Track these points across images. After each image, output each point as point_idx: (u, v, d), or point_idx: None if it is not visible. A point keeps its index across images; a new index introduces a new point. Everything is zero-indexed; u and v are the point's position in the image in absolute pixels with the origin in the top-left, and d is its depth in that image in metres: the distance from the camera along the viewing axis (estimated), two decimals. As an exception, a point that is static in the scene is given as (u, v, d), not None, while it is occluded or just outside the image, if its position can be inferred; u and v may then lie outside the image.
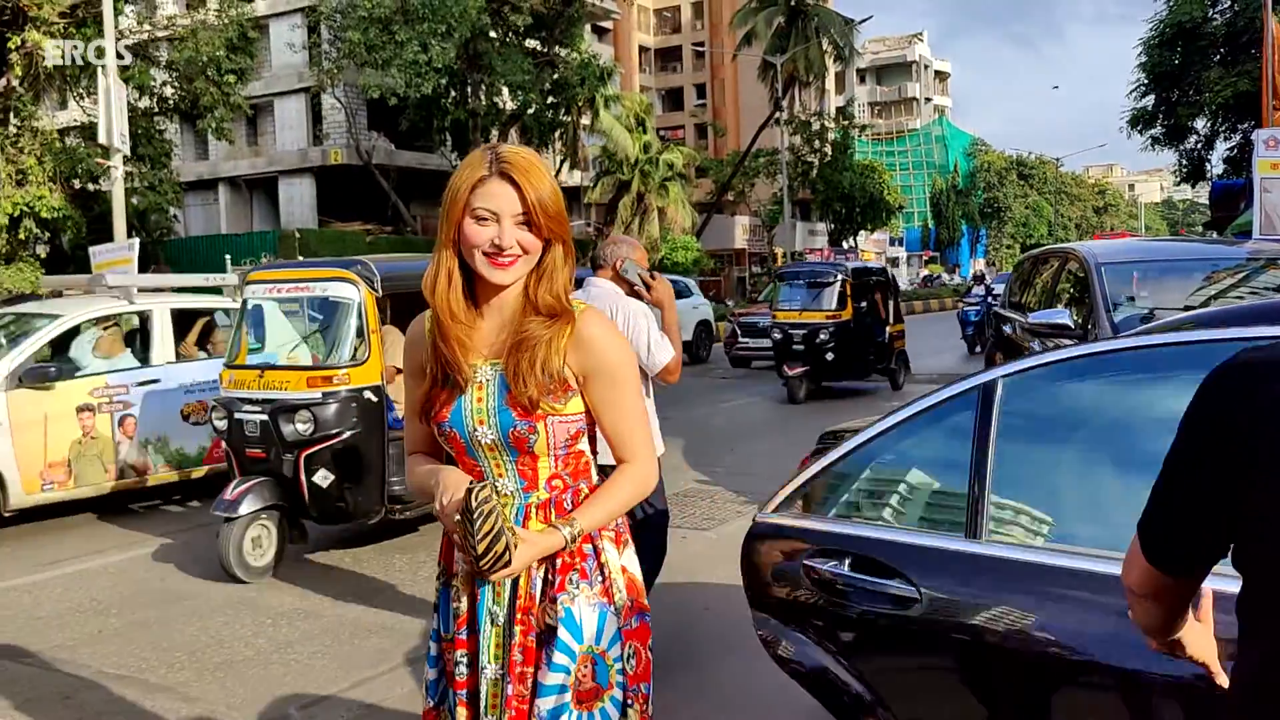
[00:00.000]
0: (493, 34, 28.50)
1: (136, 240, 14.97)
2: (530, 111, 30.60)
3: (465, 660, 2.04)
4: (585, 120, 35.67)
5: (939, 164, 73.76)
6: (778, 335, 14.46)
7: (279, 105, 35.86)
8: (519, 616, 1.97)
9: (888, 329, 15.18)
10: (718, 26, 55.62)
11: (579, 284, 5.74)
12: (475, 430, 1.98)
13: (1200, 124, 28.89)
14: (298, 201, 35.29)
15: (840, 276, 14.54)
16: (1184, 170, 31.01)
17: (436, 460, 2.11)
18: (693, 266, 38.97)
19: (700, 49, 58.62)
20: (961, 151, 74.98)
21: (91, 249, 16.02)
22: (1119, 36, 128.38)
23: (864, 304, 14.94)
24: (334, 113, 33.46)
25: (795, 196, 48.07)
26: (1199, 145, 29.88)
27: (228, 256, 16.83)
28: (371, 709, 4.33)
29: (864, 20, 46.71)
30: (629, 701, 2.02)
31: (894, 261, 67.22)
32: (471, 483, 1.86)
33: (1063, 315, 6.35)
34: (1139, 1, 29.54)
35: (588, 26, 39.93)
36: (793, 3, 42.33)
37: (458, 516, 1.84)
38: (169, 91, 24.78)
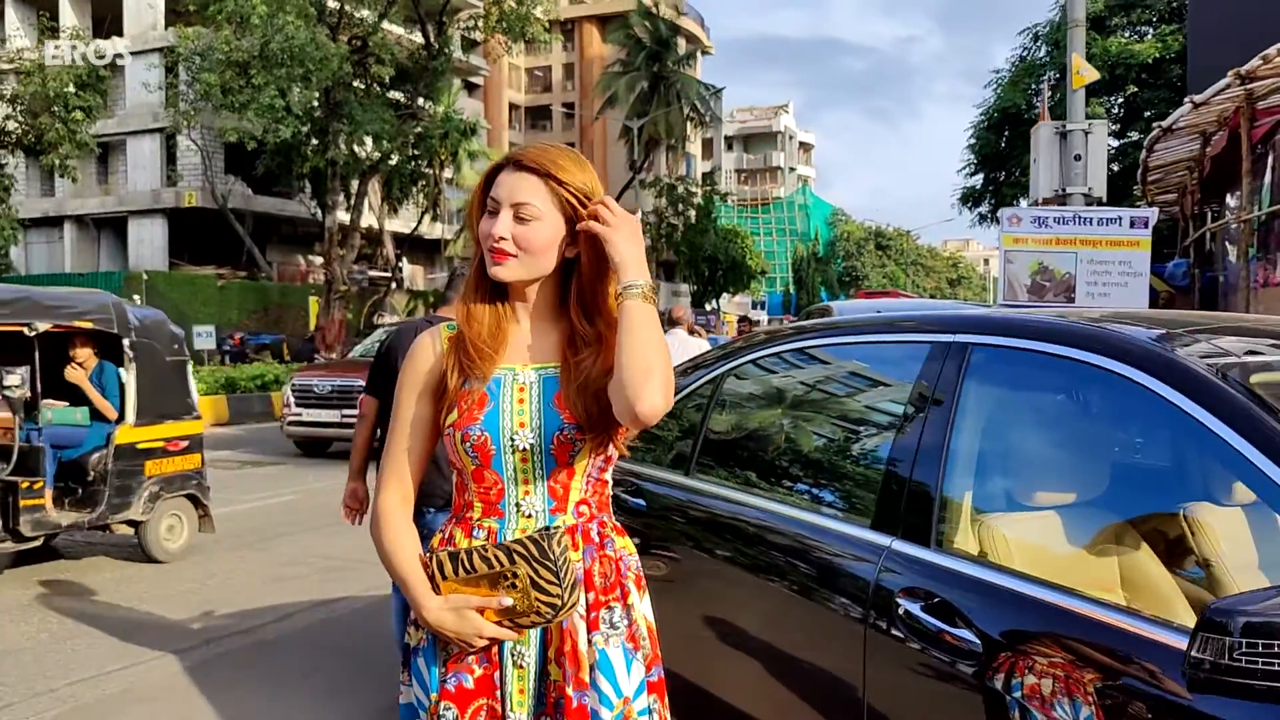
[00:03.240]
0: (357, 84, 28.72)
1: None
2: (392, 162, 30.81)
3: (484, 713, 1.80)
4: (449, 174, 36.04)
5: (801, 231, 76.38)
6: None
7: (132, 144, 35.28)
8: (552, 657, 1.80)
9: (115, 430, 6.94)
10: (588, 87, 56.91)
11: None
12: (515, 434, 1.79)
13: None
14: (148, 243, 34.64)
15: None
16: (1008, 246, 32.81)
17: (409, 497, 1.90)
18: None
19: (570, 110, 59.82)
20: (823, 220, 77.87)
21: (-92, 278, 15.62)
22: (969, 116, 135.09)
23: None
24: (189, 154, 33.09)
25: (660, 257, 49.25)
26: (1022, 223, 32.03)
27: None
28: (131, 686, 4.66)
29: (719, 90, 48.31)
30: None
31: (755, 324, 69.16)
32: (539, 532, 1.75)
33: None
34: (987, 86, 32.55)
35: (457, 82, 40.47)
36: (655, 69, 43.78)
37: (516, 579, 1.71)
38: (12, 125, 24.28)
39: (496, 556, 1.72)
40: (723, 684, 2.78)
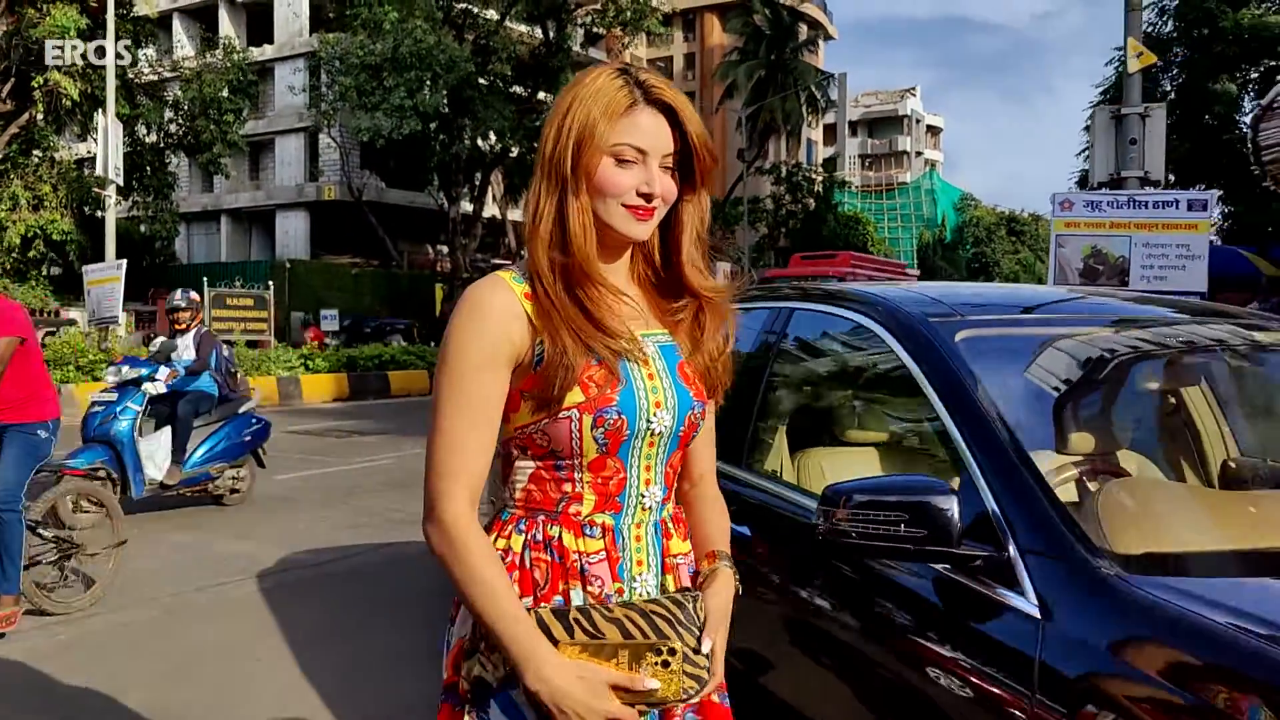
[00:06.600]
0: (480, 81, 30.36)
1: (124, 261, 16.98)
2: (513, 155, 32.40)
3: None
4: (567, 164, 37.51)
5: (928, 217, 75.35)
6: None
7: (279, 143, 38.10)
8: None
9: None
10: (708, 77, 57.87)
11: None
12: (652, 416, 1.51)
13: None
14: (293, 234, 37.39)
15: None
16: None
17: (476, 499, 1.49)
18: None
19: (690, 99, 60.77)
20: (950, 205, 76.64)
21: (85, 267, 18.05)
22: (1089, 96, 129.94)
23: None
24: (329, 151, 35.64)
25: (776, 245, 50.04)
26: (1138, 207, 30.91)
27: (205, 279, 18.82)
28: (219, 599, 6.04)
29: (829, 76, 48.46)
30: None
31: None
32: (680, 592, 1.52)
33: None
34: (1109, 64, 31.44)
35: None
36: (773, 57, 44.51)
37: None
38: (173, 128, 26.91)
39: (633, 620, 1.40)
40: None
